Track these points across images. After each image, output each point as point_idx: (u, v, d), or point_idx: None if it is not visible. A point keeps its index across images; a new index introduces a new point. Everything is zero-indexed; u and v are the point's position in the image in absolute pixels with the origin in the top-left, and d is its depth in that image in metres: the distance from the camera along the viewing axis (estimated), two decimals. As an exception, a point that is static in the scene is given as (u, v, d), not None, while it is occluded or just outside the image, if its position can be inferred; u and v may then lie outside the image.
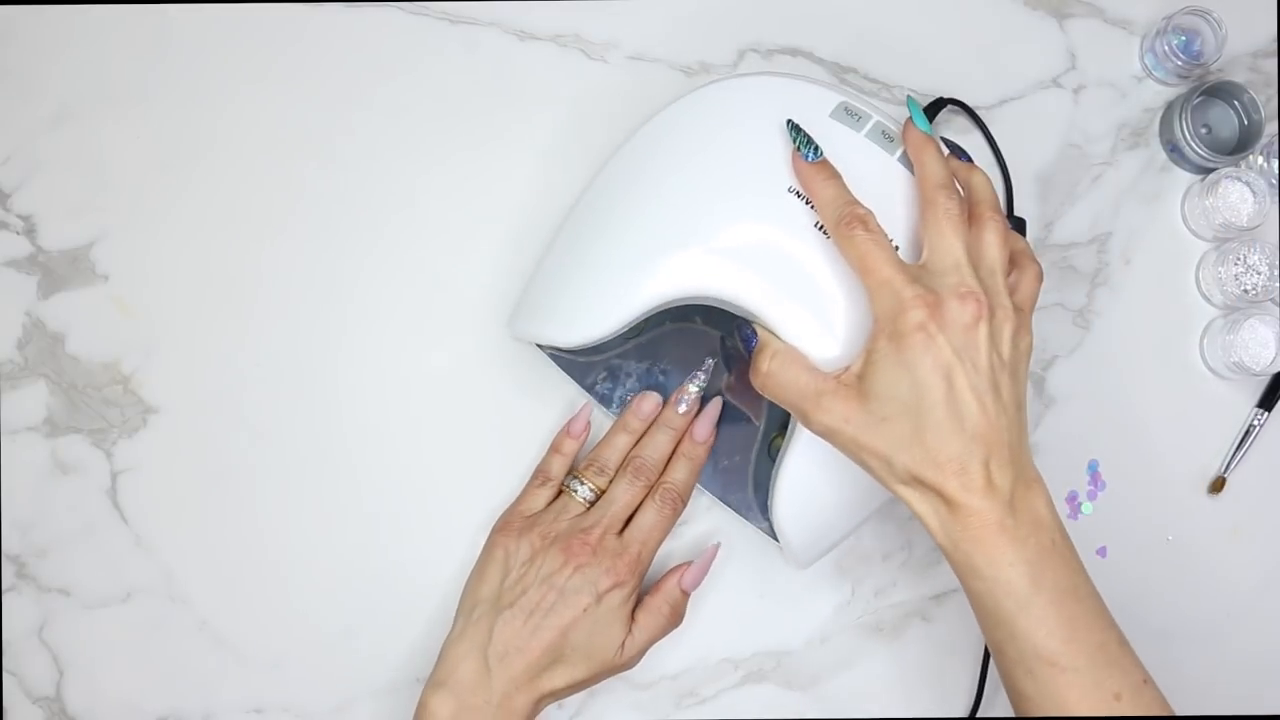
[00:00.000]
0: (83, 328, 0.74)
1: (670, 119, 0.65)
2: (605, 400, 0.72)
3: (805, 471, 0.64)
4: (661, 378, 0.72)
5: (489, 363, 0.74)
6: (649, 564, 0.68)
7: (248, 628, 0.73)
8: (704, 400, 0.71)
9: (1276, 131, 0.78)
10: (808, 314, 0.59)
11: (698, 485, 0.71)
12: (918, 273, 0.56)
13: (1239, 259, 0.75)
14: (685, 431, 0.70)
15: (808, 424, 0.58)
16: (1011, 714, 0.58)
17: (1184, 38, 0.77)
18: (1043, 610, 0.54)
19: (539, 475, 0.71)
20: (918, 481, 0.55)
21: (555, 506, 0.69)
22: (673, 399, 0.70)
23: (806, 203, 0.60)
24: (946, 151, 0.61)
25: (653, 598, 0.68)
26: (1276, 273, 0.75)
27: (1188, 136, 0.75)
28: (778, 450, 0.67)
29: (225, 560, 0.73)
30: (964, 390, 0.54)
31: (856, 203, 0.58)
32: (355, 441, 0.74)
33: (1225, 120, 0.78)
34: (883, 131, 0.62)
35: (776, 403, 0.60)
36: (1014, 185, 0.76)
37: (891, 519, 0.75)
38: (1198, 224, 0.77)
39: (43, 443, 0.73)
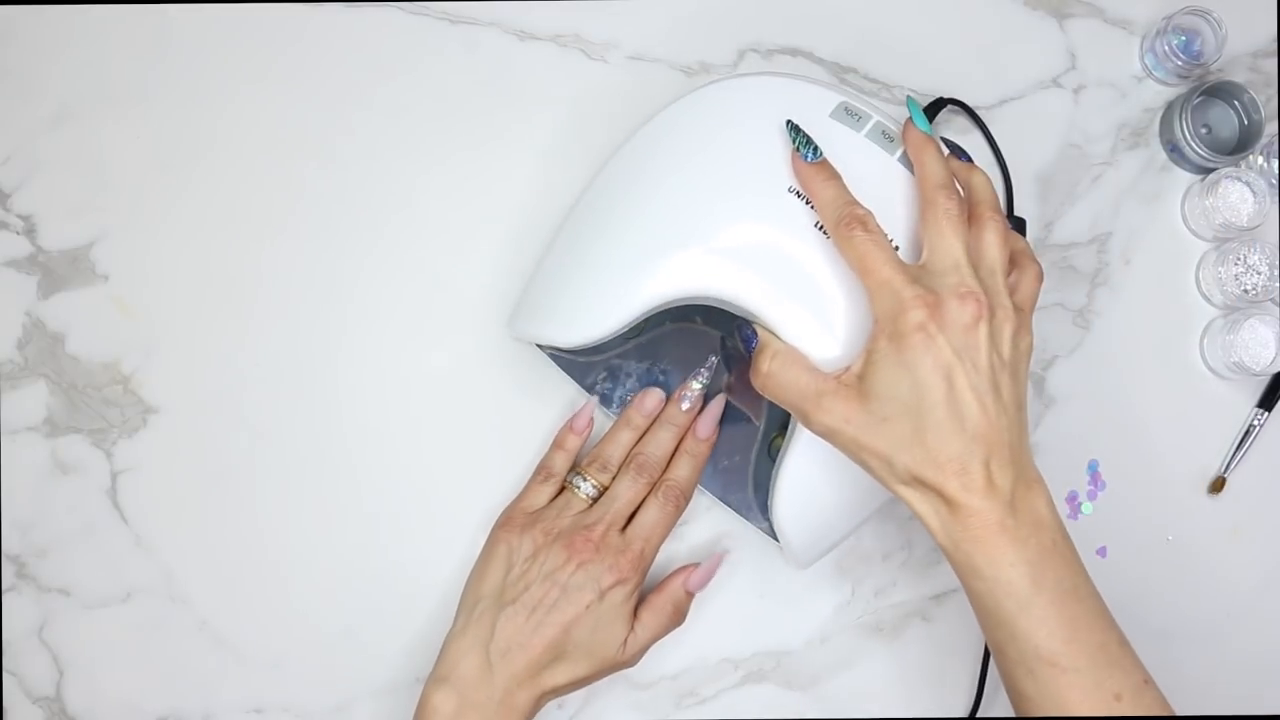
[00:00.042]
0: (83, 328, 0.74)
1: (670, 119, 0.65)
2: (605, 400, 0.72)
3: (805, 472, 0.64)
4: (662, 378, 0.72)
5: (489, 363, 0.74)
6: (651, 561, 0.68)
7: (248, 628, 0.73)
8: (707, 398, 0.71)
9: (1276, 131, 0.78)
10: (808, 314, 0.59)
11: (698, 485, 0.71)
12: (918, 273, 0.56)
13: (1239, 259, 0.75)
14: (688, 429, 0.70)
15: (808, 424, 0.58)
16: (1012, 714, 0.58)
17: (1184, 38, 0.77)
18: (1043, 610, 0.54)
19: (541, 471, 0.71)
20: (918, 482, 0.55)
21: (558, 503, 0.69)
22: (676, 396, 0.70)
23: (807, 203, 0.60)
24: (946, 151, 0.61)
25: (657, 596, 0.68)
26: (1276, 273, 0.75)
27: (1188, 136, 0.75)
28: (778, 450, 0.67)
29: (225, 560, 0.73)
30: (964, 390, 0.54)
31: (856, 203, 0.58)
32: (355, 441, 0.74)
33: (1225, 120, 0.78)
34: (883, 131, 0.62)
35: (777, 403, 0.60)
36: (1014, 185, 0.76)
37: (891, 519, 0.75)
38: (1198, 224, 0.77)
39: (43, 443, 0.73)
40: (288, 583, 0.73)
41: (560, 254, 0.67)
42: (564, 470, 0.71)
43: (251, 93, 0.76)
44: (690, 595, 0.70)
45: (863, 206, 0.58)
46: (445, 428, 0.74)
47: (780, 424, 0.71)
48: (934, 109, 0.76)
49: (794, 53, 0.77)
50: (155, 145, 0.75)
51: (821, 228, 0.59)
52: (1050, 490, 0.57)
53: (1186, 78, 0.78)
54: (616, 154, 0.66)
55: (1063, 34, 0.79)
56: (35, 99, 0.75)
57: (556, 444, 0.72)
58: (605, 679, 0.70)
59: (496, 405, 0.74)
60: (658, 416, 0.70)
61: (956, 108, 0.76)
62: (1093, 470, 0.76)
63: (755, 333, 0.61)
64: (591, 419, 0.72)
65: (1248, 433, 0.76)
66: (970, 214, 0.59)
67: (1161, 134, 0.78)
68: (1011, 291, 0.58)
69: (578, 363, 0.72)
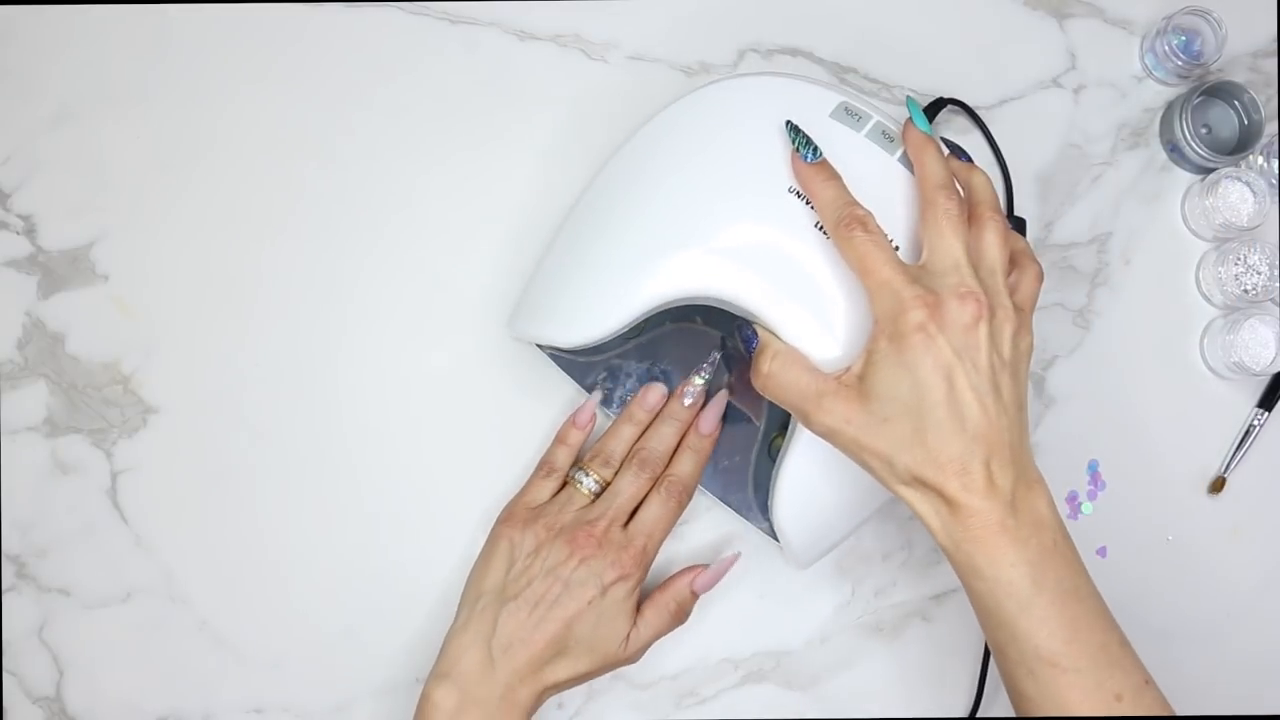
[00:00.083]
0: (83, 328, 0.74)
1: (670, 119, 0.65)
2: (606, 400, 0.72)
3: (805, 472, 0.64)
4: (661, 378, 0.72)
5: (489, 363, 0.74)
6: (654, 557, 0.68)
7: (248, 628, 0.73)
8: (708, 395, 0.71)
9: (1276, 131, 0.78)
10: (808, 314, 0.59)
11: (698, 485, 0.71)
12: (917, 273, 0.56)
13: (1239, 259, 0.75)
14: (690, 424, 0.70)
15: (809, 425, 0.58)
16: (1012, 714, 0.58)
17: (1184, 38, 0.77)
18: (1044, 611, 0.54)
19: (544, 466, 0.71)
20: (919, 482, 0.55)
21: (560, 498, 0.69)
22: (678, 391, 0.70)
23: (807, 203, 0.60)
24: (946, 151, 0.61)
25: (661, 594, 0.68)
26: (1276, 273, 0.75)
27: (1188, 136, 0.75)
28: (778, 450, 0.67)
29: (225, 560, 0.73)
30: (964, 390, 0.54)
31: (856, 204, 0.58)
32: (355, 441, 0.74)
33: (1225, 120, 0.78)
34: (883, 132, 0.62)
35: (777, 404, 0.60)
36: (1014, 185, 0.76)
37: (891, 519, 0.75)
38: (1198, 224, 0.77)
39: (43, 443, 0.73)
40: (288, 583, 0.73)
41: (560, 254, 0.67)
42: (566, 465, 0.71)
43: (251, 93, 0.76)
44: (695, 596, 0.70)
45: (862, 207, 0.58)
46: (445, 428, 0.74)
47: (780, 424, 0.71)
48: (934, 109, 0.76)
49: (794, 53, 0.77)
50: (155, 145, 0.75)
51: (822, 228, 0.59)
52: (1050, 490, 0.57)
53: (1186, 78, 0.78)
54: (616, 154, 0.66)
55: (1063, 34, 0.79)
56: (35, 99, 0.75)
57: (559, 439, 0.72)
58: (606, 678, 0.70)
59: (496, 405, 0.74)
60: (660, 412, 0.70)
61: (956, 108, 0.76)
62: (1093, 470, 0.76)
63: (755, 333, 0.61)
64: (594, 414, 0.72)
65: (1248, 433, 0.76)
66: (970, 214, 0.59)
67: (1161, 134, 0.78)
68: (1012, 291, 0.58)
69: (578, 363, 0.72)
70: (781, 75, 0.65)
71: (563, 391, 0.73)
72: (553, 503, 0.69)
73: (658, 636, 0.68)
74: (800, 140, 0.60)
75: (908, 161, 0.61)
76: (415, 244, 0.75)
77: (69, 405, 0.73)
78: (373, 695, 0.72)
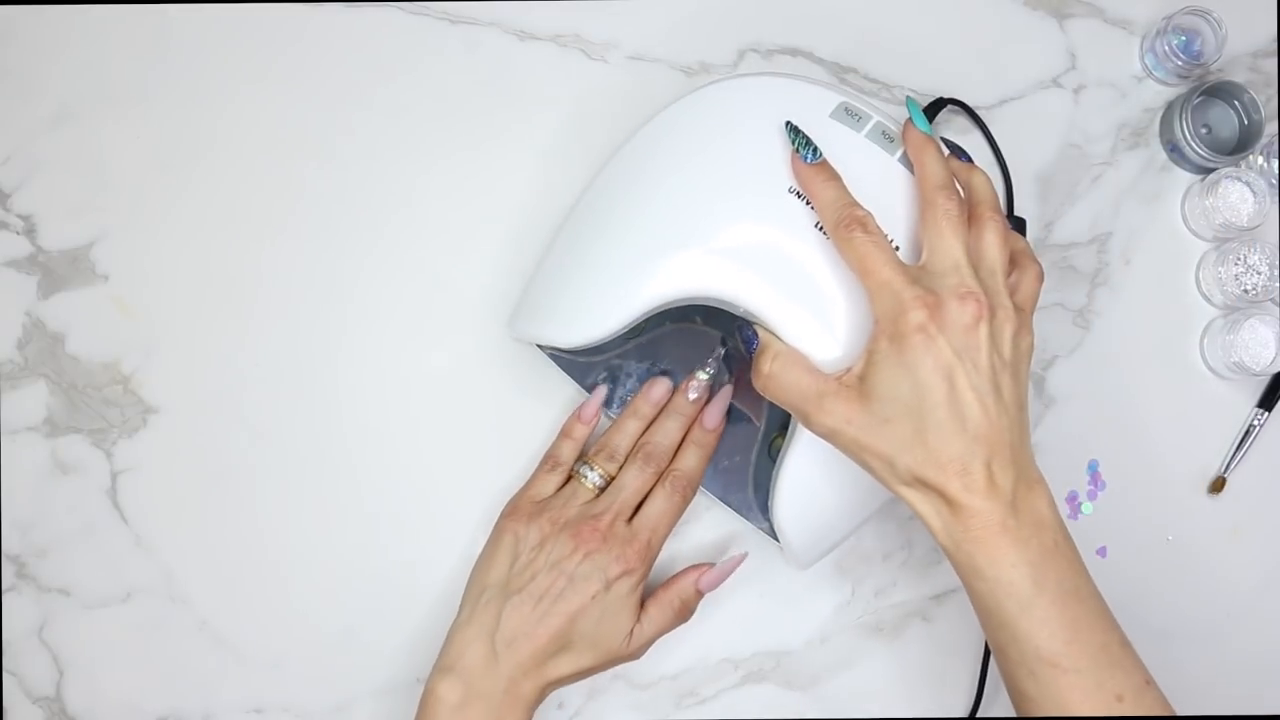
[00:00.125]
0: (83, 328, 0.74)
1: (670, 119, 0.65)
2: (606, 400, 0.72)
3: (806, 472, 0.64)
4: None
5: (489, 363, 0.74)
6: (658, 552, 0.68)
7: (248, 628, 0.73)
8: (712, 390, 0.71)
9: (1276, 131, 0.78)
10: (808, 315, 0.59)
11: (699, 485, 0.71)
12: (917, 274, 0.56)
13: (1239, 259, 0.75)
14: (695, 419, 0.70)
15: (809, 425, 0.58)
16: (1012, 714, 0.58)
17: (1184, 38, 0.77)
18: (1045, 611, 0.54)
19: (548, 460, 0.71)
20: (920, 482, 0.55)
21: (565, 492, 0.69)
22: (683, 386, 0.70)
23: (807, 203, 0.60)
24: (946, 152, 0.61)
25: (665, 591, 0.68)
26: (1276, 273, 0.75)
27: (1188, 136, 0.75)
28: (778, 450, 0.67)
29: (225, 560, 0.73)
30: (965, 390, 0.54)
31: (856, 204, 0.58)
32: (355, 441, 0.74)
33: (1225, 120, 0.78)
34: (883, 132, 0.62)
35: (778, 404, 0.60)
36: (1014, 185, 0.76)
37: (892, 519, 0.75)
38: (1198, 224, 0.77)
39: (43, 443, 0.73)
40: (288, 583, 0.73)
41: (560, 254, 0.67)
42: (571, 459, 0.71)
43: (251, 93, 0.76)
44: (700, 594, 0.69)
45: (862, 208, 0.57)
46: (445, 428, 0.74)
47: (780, 424, 0.71)
48: (934, 109, 0.76)
49: (794, 53, 0.77)
50: (155, 145, 0.75)
51: (822, 228, 0.59)
52: (1051, 490, 0.57)
53: (1186, 78, 0.78)
54: (616, 154, 0.66)
55: (1063, 34, 0.79)
56: (35, 99, 0.75)
57: (564, 433, 0.71)
58: (606, 678, 0.70)
59: (496, 405, 0.74)
60: (665, 407, 0.70)
61: (956, 108, 0.77)
62: (1093, 470, 0.76)
63: (756, 334, 0.61)
64: (600, 408, 0.72)
65: (1248, 433, 0.76)
66: (970, 214, 0.59)
67: (1161, 134, 0.78)
68: (1012, 292, 0.58)
69: (578, 363, 0.72)
70: (781, 75, 0.65)
71: (563, 391, 0.73)
72: (557, 497, 0.69)
73: (661, 633, 0.68)
74: (800, 141, 0.60)
75: (908, 162, 0.61)
76: (415, 244, 0.75)
77: (69, 405, 0.73)
78: (373, 695, 0.72)
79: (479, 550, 0.69)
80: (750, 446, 0.72)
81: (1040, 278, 0.61)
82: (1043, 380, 0.76)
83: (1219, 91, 0.77)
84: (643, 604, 0.67)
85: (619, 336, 0.64)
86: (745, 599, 0.74)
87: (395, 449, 0.74)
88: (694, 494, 0.69)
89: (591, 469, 0.69)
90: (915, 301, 0.55)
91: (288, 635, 0.73)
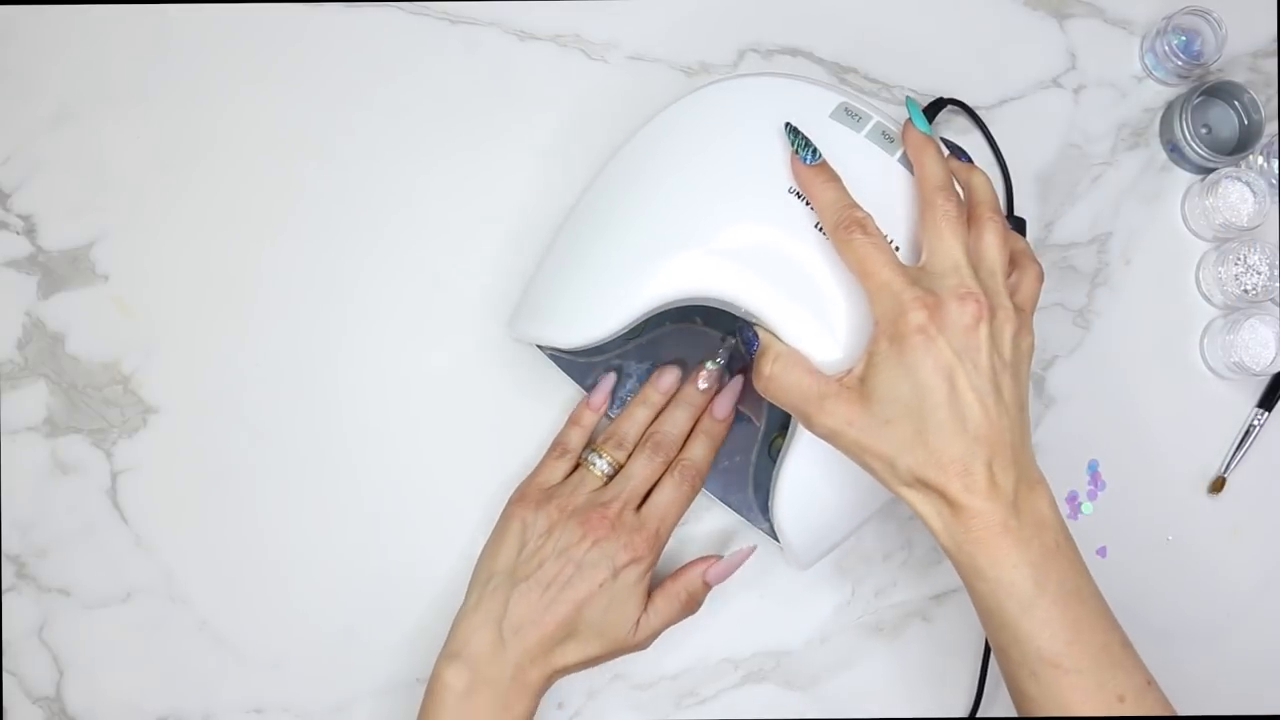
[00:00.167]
0: (83, 328, 0.74)
1: (670, 119, 0.65)
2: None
3: (806, 472, 0.64)
4: (662, 378, 0.72)
5: (489, 363, 0.74)
6: (666, 541, 0.68)
7: (248, 628, 0.73)
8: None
9: (1276, 131, 0.78)
10: (808, 315, 0.59)
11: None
12: (917, 275, 0.56)
13: (1239, 259, 0.75)
14: (705, 409, 0.70)
15: (810, 427, 0.58)
16: (1012, 714, 0.58)
17: (1184, 38, 0.77)
18: (1046, 612, 0.54)
19: (557, 447, 0.71)
20: (921, 483, 0.55)
21: (573, 479, 0.69)
22: (693, 377, 0.70)
23: (807, 203, 0.60)
24: (946, 152, 0.61)
25: (672, 583, 0.68)
26: (1276, 273, 0.75)
27: (1188, 136, 0.75)
28: (778, 451, 0.67)
29: (225, 560, 0.73)
30: (965, 391, 0.54)
31: (855, 206, 0.58)
32: (355, 441, 0.74)
33: (1225, 120, 0.78)
34: (883, 132, 0.62)
35: (779, 406, 0.60)
36: (1014, 185, 0.76)
37: (892, 519, 0.75)
38: (1198, 224, 0.77)
39: (43, 443, 0.73)
40: (288, 583, 0.73)
41: (560, 254, 0.67)
42: (579, 446, 0.70)
43: (251, 93, 0.76)
44: (708, 587, 0.69)
45: (862, 209, 0.57)
46: (445, 428, 0.74)
47: (781, 424, 0.71)
48: (934, 109, 0.76)
49: (794, 53, 0.77)
50: (155, 145, 0.75)
51: (822, 229, 0.59)
52: (1052, 490, 0.57)
53: (1186, 78, 0.78)
54: (617, 154, 0.66)
55: (1063, 34, 0.79)
56: (35, 99, 0.75)
57: (573, 420, 0.71)
58: (605, 678, 0.70)
59: (496, 405, 0.74)
60: (674, 396, 0.70)
61: (956, 108, 0.76)
62: (1093, 470, 0.76)
63: (757, 335, 0.61)
64: (609, 396, 0.72)
65: (1248, 433, 0.76)
66: (970, 215, 0.59)
67: (1161, 134, 0.78)
68: (1012, 292, 0.58)
69: (578, 363, 0.72)
70: (781, 75, 0.65)
71: (563, 392, 0.73)
72: (565, 484, 0.69)
73: (667, 625, 0.68)
74: (799, 142, 0.60)
75: (908, 162, 0.61)
76: (415, 244, 0.75)
77: (69, 405, 0.73)
78: (373, 695, 0.72)
79: (479, 550, 0.69)
80: (750, 446, 0.72)
81: (1040, 278, 0.61)
82: (1043, 380, 0.76)
83: (1219, 91, 0.77)
84: (650, 595, 0.67)
85: (619, 337, 0.64)
86: (745, 599, 0.74)
87: (395, 449, 0.74)
88: (702, 484, 0.69)
89: (600, 457, 0.69)
90: (915, 302, 0.55)
91: (288, 635, 0.73)
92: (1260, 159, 0.77)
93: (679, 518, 0.68)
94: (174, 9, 0.76)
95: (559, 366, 0.72)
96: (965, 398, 0.54)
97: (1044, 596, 0.54)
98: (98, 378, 0.74)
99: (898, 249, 0.59)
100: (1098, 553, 0.75)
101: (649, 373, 0.72)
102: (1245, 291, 0.75)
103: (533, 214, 0.74)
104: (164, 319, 0.74)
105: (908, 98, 0.63)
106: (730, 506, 0.72)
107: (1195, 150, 0.76)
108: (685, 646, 0.73)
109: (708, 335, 0.72)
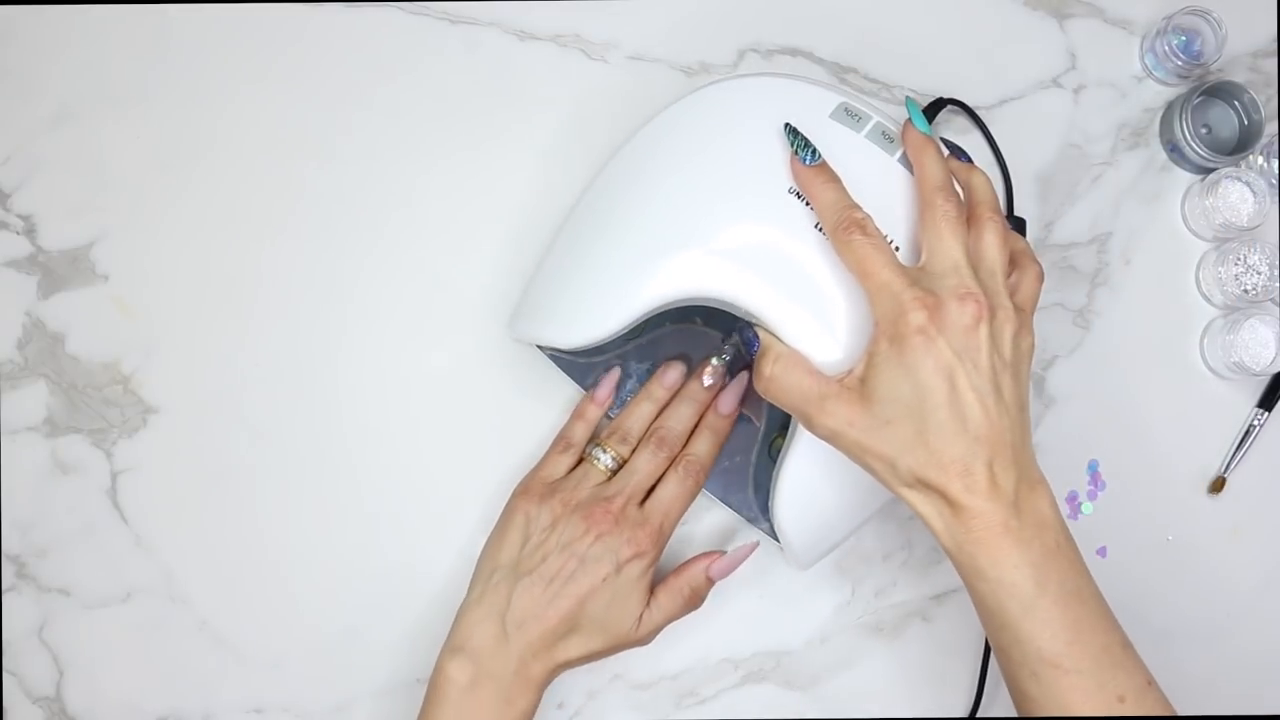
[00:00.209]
0: (83, 328, 0.74)
1: (670, 119, 0.65)
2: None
3: (806, 473, 0.64)
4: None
5: (489, 363, 0.74)
6: (670, 536, 0.68)
7: (248, 628, 0.73)
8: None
9: (1276, 131, 0.78)
10: (809, 316, 0.59)
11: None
12: (917, 275, 0.56)
13: (1239, 259, 0.75)
14: (709, 405, 0.70)
15: (811, 428, 0.58)
16: (1012, 714, 0.58)
17: (1184, 38, 0.77)
18: (1047, 612, 0.54)
19: (561, 441, 0.70)
20: (921, 484, 0.55)
21: (577, 474, 0.69)
22: (698, 373, 0.70)
23: (807, 204, 0.60)
24: (946, 152, 0.61)
25: (675, 578, 0.68)
26: (1276, 273, 0.75)
27: (1188, 136, 0.75)
28: (778, 451, 0.67)
29: (225, 560, 0.73)
30: (966, 391, 0.54)
31: (855, 206, 0.58)
32: (355, 441, 0.74)
33: (1225, 120, 0.78)
34: (883, 132, 0.62)
35: (779, 406, 0.60)
36: (1014, 185, 0.76)
37: (892, 519, 0.75)
38: (1198, 224, 0.77)
39: (43, 443, 0.73)
40: (288, 583, 0.73)
41: (560, 255, 0.67)
42: (583, 441, 0.70)
43: (251, 93, 0.76)
44: (711, 582, 0.69)
45: (861, 210, 0.57)
46: (445, 428, 0.74)
47: (781, 425, 0.71)
48: (934, 109, 0.76)
49: (794, 53, 0.77)
50: (155, 145, 0.75)
51: (822, 229, 0.59)
52: (1052, 490, 0.57)
53: (1186, 78, 0.78)
54: (617, 154, 0.66)
55: (1063, 34, 0.79)
56: (35, 99, 0.75)
57: (577, 414, 0.71)
58: (605, 678, 0.70)
59: (496, 405, 0.74)
60: (679, 392, 0.70)
61: (956, 108, 0.76)
62: (1093, 470, 0.76)
63: (757, 335, 0.61)
64: (614, 390, 0.71)
65: (1248, 433, 0.76)
66: (970, 215, 0.59)
67: (1161, 134, 0.78)
68: (1012, 292, 0.58)
69: (578, 363, 0.72)
70: (781, 76, 0.65)
71: (563, 392, 0.73)
72: (569, 478, 0.69)
73: (670, 620, 0.67)
74: (799, 143, 0.60)
75: (908, 162, 0.61)
76: (415, 244, 0.75)
77: (69, 405, 0.73)
78: (373, 695, 0.72)
79: (479, 550, 0.69)
80: (750, 447, 0.72)
81: (1040, 278, 0.61)
82: (1043, 380, 0.76)
83: (1219, 91, 0.77)
84: (653, 590, 0.67)
85: (619, 337, 0.64)
86: (745, 599, 0.74)
87: (395, 449, 0.74)
88: (706, 479, 0.69)
89: (604, 451, 0.69)
90: (915, 303, 0.55)
91: (288, 635, 0.73)
92: (1260, 159, 0.77)
93: (682, 513, 0.68)
94: (174, 9, 0.76)
95: (559, 366, 0.72)
96: (965, 398, 0.54)
97: (1045, 597, 0.54)
98: (98, 378, 0.74)
99: (898, 249, 0.59)
100: (1098, 553, 0.75)
101: (649, 373, 0.72)
102: (1245, 291, 0.75)
103: (533, 214, 0.74)
104: (164, 319, 0.74)
105: (907, 98, 0.63)
106: (730, 507, 0.72)
107: (1195, 150, 0.76)
108: (685, 646, 0.73)
109: (708, 335, 0.72)
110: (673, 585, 0.68)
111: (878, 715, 0.74)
